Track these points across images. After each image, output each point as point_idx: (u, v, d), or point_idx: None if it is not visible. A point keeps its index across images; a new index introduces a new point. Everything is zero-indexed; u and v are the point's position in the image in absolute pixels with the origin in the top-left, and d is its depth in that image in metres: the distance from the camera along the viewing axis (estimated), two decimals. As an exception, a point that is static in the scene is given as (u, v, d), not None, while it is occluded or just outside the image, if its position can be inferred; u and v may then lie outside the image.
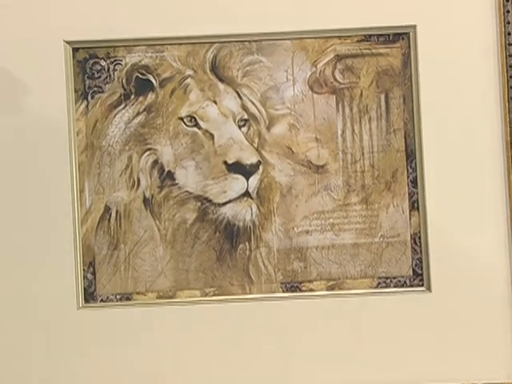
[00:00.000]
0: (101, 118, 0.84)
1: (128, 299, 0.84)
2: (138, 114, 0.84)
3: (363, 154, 0.85)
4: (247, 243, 0.84)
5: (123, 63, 0.84)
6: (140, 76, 0.84)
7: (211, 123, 0.84)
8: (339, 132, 0.85)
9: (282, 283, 0.85)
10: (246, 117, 0.84)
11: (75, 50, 0.83)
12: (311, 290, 0.84)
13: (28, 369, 0.81)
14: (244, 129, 0.84)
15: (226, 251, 0.84)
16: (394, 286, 0.85)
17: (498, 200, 0.83)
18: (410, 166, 0.85)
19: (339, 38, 0.84)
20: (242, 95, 0.84)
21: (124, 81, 0.84)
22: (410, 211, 0.85)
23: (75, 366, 0.82)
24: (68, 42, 0.83)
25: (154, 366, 0.83)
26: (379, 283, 0.85)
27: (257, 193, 0.84)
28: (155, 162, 0.84)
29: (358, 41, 0.85)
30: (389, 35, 0.84)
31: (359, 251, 0.85)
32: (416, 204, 0.85)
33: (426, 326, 0.84)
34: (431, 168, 0.84)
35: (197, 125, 0.84)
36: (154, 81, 0.84)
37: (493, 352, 0.83)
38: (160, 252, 0.84)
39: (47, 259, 0.82)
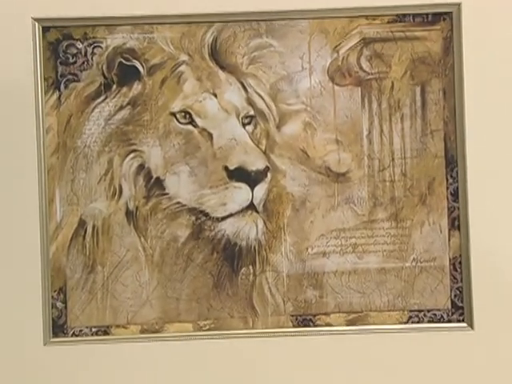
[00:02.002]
0: (76, 113, 0.80)
1: (106, 333, 0.80)
2: (121, 108, 0.80)
3: (393, 159, 0.80)
4: (251, 267, 0.80)
5: (104, 46, 0.80)
6: (124, 62, 0.80)
7: (210, 120, 0.80)
8: (365, 133, 0.80)
9: (292, 316, 0.81)
10: (251, 113, 0.80)
11: (46, 30, 0.79)
12: (328, 325, 0.80)
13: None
14: (249, 127, 0.80)
15: (225, 276, 0.80)
16: (429, 322, 0.81)
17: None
18: (451, 176, 0.80)
19: (366, 17, 0.80)
20: (247, 87, 0.80)
21: (104, 67, 0.80)
22: (450, 230, 0.80)
23: (40, 414, 0.80)
24: (37, 20, 0.79)
25: (136, 413, 0.80)
26: (410, 317, 0.81)
27: (263, 205, 0.80)
28: (141, 166, 0.80)
29: (389, 22, 0.80)
30: (427, 15, 0.80)
31: (387, 278, 0.81)
32: (457, 222, 0.80)
33: (466, 370, 0.79)
34: (476, 178, 0.79)
35: (192, 122, 0.80)
36: (140, 68, 0.80)
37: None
38: (145, 276, 0.80)
39: (8, 283, 0.78)
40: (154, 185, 0.79)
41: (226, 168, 0.79)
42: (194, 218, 0.79)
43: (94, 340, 0.79)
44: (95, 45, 0.79)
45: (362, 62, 0.80)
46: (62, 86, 0.79)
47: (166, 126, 0.79)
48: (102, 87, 0.79)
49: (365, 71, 0.80)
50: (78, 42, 0.79)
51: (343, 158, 0.80)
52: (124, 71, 0.79)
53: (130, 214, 0.79)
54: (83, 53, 0.79)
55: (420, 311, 0.80)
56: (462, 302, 0.80)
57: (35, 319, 0.78)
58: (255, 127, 0.80)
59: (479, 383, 0.79)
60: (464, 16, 0.78)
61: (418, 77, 0.80)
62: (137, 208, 0.79)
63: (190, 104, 0.79)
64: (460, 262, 0.80)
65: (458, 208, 0.79)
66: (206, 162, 0.79)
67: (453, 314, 0.80)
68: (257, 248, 0.79)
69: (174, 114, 0.79)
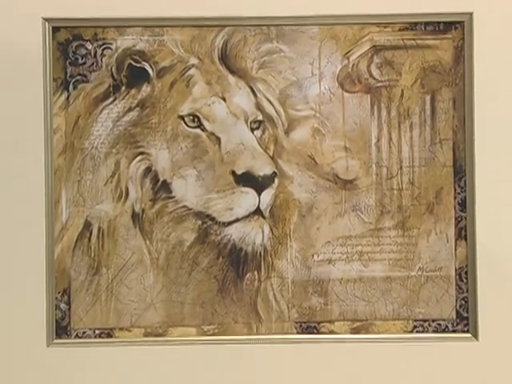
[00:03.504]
0: (84, 114, 0.79)
1: (109, 336, 0.80)
2: (130, 109, 0.79)
3: (401, 168, 0.80)
4: (256, 272, 0.80)
5: (113, 47, 0.79)
6: (133, 64, 0.79)
7: (218, 124, 0.79)
8: (373, 140, 0.80)
9: (296, 322, 0.80)
10: (260, 118, 0.80)
11: (55, 30, 0.78)
12: (332, 332, 0.80)
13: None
14: (257, 132, 0.80)
15: (229, 281, 0.79)
16: (434, 331, 0.80)
17: None
18: (459, 185, 0.80)
19: (377, 25, 0.79)
20: (256, 91, 0.79)
21: (114, 69, 0.79)
22: (456, 240, 0.80)
23: (42, 416, 0.79)
24: (47, 20, 0.78)
25: (138, 417, 0.80)
26: (415, 327, 0.80)
27: (270, 211, 0.79)
28: (148, 169, 0.79)
29: (400, 29, 0.79)
30: (438, 24, 0.79)
31: (392, 287, 0.80)
32: (464, 231, 0.79)
33: (470, 381, 0.79)
34: (484, 188, 0.78)
35: (200, 125, 0.79)
36: (150, 70, 0.79)
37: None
38: (150, 279, 0.79)
39: (12, 284, 0.78)
40: (161, 188, 0.78)
41: (233, 173, 0.78)
42: (200, 222, 0.78)
43: (97, 342, 0.78)
44: (105, 46, 0.78)
45: (372, 70, 0.79)
46: (71, 87, 0.78)
47: (174, 129, 0.78)
48: (111, 89, 0.78)
49: (375, 78, 0.79)
50: (88, 43, 0.78)
51: (351, 165, 0.79)
52: (133, 73, 0.78)
53: (135, 217, 0.79)
54: (93, 54, 0.78)
55: (425, 321, 0.79)
56: (467, 312, 0.79)
57: (39, 320, 0.77)
58: (263, 132, 0.79)
59: (483, 394, 0.79)
60: (476, 25, 0.77)
61: (428, 85, 0.79)
62: (143, 211, 0.79)
63: (199, 107, 0.79)
64: (466, 273, 0.79)
65: (465, 218, 0.78)
66: (214, 166, 0.78)
67: (458, 324, 0.79)
68: (262, 254, 0.79)
69: (182, 118, 0.79)
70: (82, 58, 0.78)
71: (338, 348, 0.78)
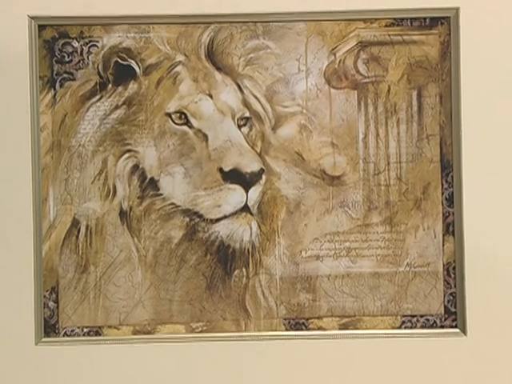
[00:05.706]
0: (71, 112, 0.79)
1: (97, 334, 0.79)
2: (117, 107, 0.79)
3: (389, 163, 0.79)
4: (244, 269, 0.79)
5: (100, 45, 0.79)
6: (120, 61, 0.79)
7: (205, 121, 0.79)
8: (360, 136, 0.79)
9: (285, 319, 0.79)
10: (247, 115, 0.79)
11: (42, 28, 0.78)
12: (320, 329, 0.79)
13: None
14: (245, 129, 0.79)
15: (218, 278, 0.79)
16: (422, 327, 0.80)
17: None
18: (446, 180, 0.79)
19: (364, 21, 0.79)
20: (243, 88, 0.79)
21: (100, 67, 0.79)
22: (444, 235, 0.79)
23: (30, 414, 0.78)
24: (33, 18, 0.77)
25: (127, 416, 0.78)
26: (403, 322, 0.80)
27: (258, 208, 0.79)
28: (135, 166, 0.79)
29: (386, 25, 0.79)
30: (425, 19, 0.79)
31: (380, 282, 0.79)
32: (451, 227, 0.79)
33: (458, 376, 0.78)
34: (471, 183, 0.78)
35: (187, 123, 0.79)
36: (136, 68, 0.79)
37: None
38: (138, 277, 0.79)
39: (0, 282, 0.77)
40: (149, 185, 0.78)
41: (220, 169, 0.77)
42: (187, 219, 0.78)
43: (85, 340, 0.78)
44: (91, 44, 0.78)
45: (358, 65, 0.79)
46: (58, 85, 0.78)
47: (161, 126, 0.78)
48: (98, 86, 0.78)
49: (361, 74, 0.79)
50: (74, 41, 0.78)
51: (338, 162, 0.78)
52: (120, 71, 0.78)
53: (123, 215, 0.78)
54: (79, 51, 0.78)
55: (413, 316, 0.79)
56: (455, 307, 0.78)
57: (27, 318, 0.77)
58: (251, 129, 0.79)
59: (471, 389, 0.77)
60: (462, 21, 0.77)
61: (414, 81, 0.79)
62: (130, 208, 0.78)
63: (186, 105, 0.78)
64: (454, 268, 0.78)
65: (453, 213, 0.78)
66: (201, 164, 0.78)
67: (446, 319, 0.79)
68: (250, 250, 0.78)
69: (169, 115, 0.78)
70: (69, 56, 0.78)
71: (326, 344, 0.78)
